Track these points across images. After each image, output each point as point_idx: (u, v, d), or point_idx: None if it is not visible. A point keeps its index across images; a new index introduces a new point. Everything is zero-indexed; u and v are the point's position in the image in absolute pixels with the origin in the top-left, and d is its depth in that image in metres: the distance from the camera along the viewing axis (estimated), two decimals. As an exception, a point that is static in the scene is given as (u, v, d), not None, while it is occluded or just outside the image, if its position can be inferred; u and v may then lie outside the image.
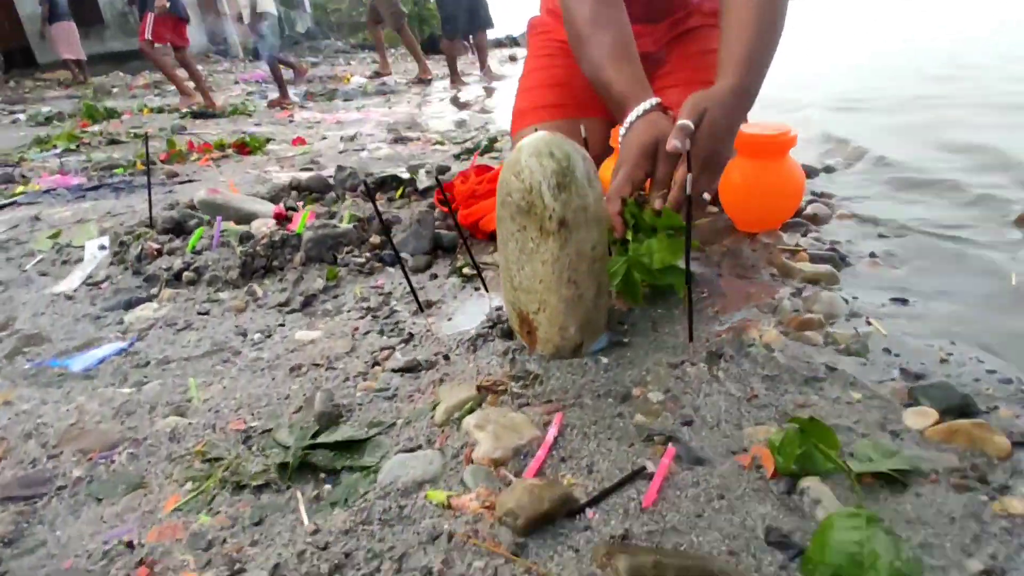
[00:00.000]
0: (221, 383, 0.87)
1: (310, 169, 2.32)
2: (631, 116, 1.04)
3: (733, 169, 1.28)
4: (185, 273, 1.17)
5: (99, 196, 2.06)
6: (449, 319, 1.03)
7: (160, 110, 5.14)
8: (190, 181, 2.26)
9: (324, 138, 3.17)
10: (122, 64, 11.61)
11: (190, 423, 0.78)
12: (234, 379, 0.87)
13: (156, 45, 5.01)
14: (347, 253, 1.22)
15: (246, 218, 1.42)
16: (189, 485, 0.68)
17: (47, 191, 2.13)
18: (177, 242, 1.30)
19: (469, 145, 2.41)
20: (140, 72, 11.70)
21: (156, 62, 4.96)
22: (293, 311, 1.08)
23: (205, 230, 1.28)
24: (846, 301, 0.96)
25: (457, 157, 2.27)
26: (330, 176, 1.77)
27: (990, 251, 1.12)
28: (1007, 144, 1.71)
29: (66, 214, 1.81)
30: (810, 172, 1.72)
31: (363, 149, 2.64)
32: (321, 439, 0.72)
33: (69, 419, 0.81)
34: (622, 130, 1.05)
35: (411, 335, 0.97)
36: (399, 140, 2.79)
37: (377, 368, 0.87)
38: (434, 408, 0.77)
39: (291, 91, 5.48)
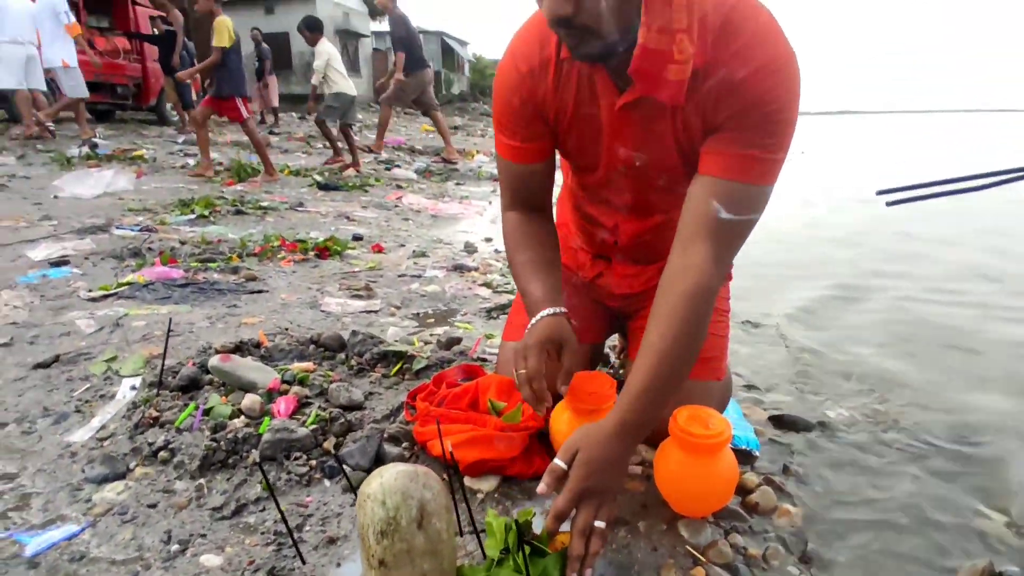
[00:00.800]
0: (113, 609, 1.03)
1: (360, 296, 2.55)
2: (538, 315, 1.22)
3: (663, 453, 1.28)
4: (161, 452, 1.37)
5: (180, 299, 2.41)
6: (339, 565, 1.13)
7: (297, 172, 5.79)
8: (260, 292, 2.57)
9: (403, 245, 3.44)
10: (298, 104, 13.21)
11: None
12: (125, 607, 1.03)
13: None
14: (294, 460, 1.36)
15: (247, 386, 1.62)
16: None
17: (146, 285, 2.52)
18: (177, 407, 1.53)
19: (504, 299, 2.52)
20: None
21: (252, 137, 5.45)
22: (223, 518, 1.23)
23: (196, 408, 1.49)
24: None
25: (489, 313, 2.39)
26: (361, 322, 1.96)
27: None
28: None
29: (140, 323, 2.15)
30: (803, 426, 1.65)
31: (420, 275, 2.85)
32: None
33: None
34: (529, 324, 1.23)
35: (291, 584, 1.09)
36: (458, 268, 2.97)
37: (232, 634, 0.99)
38: None
39: (411, 169, 5.97)
